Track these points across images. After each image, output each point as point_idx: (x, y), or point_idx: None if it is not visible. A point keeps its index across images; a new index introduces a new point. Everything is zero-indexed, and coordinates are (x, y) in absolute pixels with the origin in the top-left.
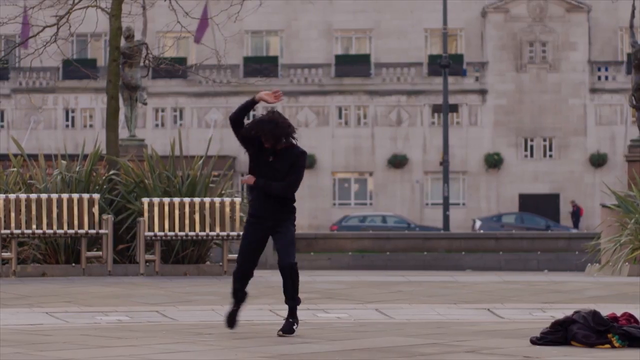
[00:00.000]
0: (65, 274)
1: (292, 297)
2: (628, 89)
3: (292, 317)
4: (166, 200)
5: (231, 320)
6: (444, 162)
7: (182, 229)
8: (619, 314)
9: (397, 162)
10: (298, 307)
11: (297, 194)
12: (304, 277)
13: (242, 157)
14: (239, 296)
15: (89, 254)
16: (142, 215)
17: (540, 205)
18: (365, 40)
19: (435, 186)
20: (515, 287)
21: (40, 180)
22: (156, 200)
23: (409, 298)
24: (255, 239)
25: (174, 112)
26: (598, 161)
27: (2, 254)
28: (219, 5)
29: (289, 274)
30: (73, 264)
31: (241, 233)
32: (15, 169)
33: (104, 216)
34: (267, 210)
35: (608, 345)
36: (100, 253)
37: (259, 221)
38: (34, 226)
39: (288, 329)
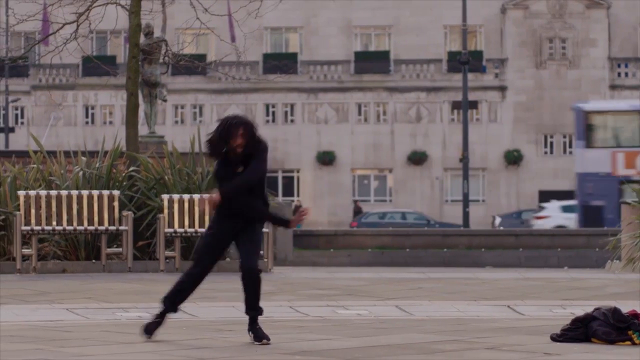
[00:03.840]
0: (85, 270)
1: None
2: None
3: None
4: (186, 196)
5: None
6: (464, 159)
7: (202, 225)
8: (639, 311)
9: (417, 158)
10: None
11: (317, 190)
12: (324, 273)
13: None
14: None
15: (109, 250)
16: (162, 211)
17: None
18: (385, 36)
19: (455, 183)
20: (535, 283)
21: (60, 177)
22: (176, 196)
23: (429, 295)
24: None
25: (193, 108)
26: None
27: (23, 250)
28: (239, 2)
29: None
30: (93, 261)
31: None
32: (35, 166)
33: (124, 213)
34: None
35: (628, 342)
36: (120, 249)
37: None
38: (54, 223)
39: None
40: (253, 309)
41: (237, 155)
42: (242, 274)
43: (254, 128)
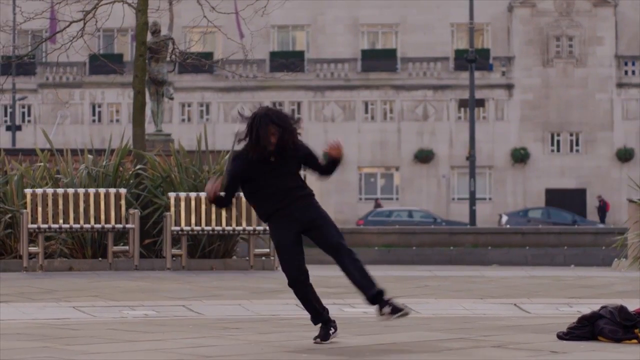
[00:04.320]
0: (92, 268)
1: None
2: None
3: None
4: (193, 195)
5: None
6: (471, 157)
7: (208, 223)
8: None
9: (424, 156)
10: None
11: (323, 187)
12: (330, 271)
13: None
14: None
15: (116, 248)
16: (168, 209)
17: (566, 200)
18: (392, 35)
19: (461, 181)
20: (541, 282)
21: (67, 175)
22: (183, 195)
23: (436, 293)
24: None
25: (200, 107)
26: (625, 156)
27: (29, 248)
28: (246, 1)
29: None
30: (100, 259)
31: (268, 228)
32: (42, 164)
33: (131, 211)
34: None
35: (635, 341)
36: (127, 247)
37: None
38: (60, 221)
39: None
40: (367, 287)
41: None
42: (334, 255)
43: (282, 121)
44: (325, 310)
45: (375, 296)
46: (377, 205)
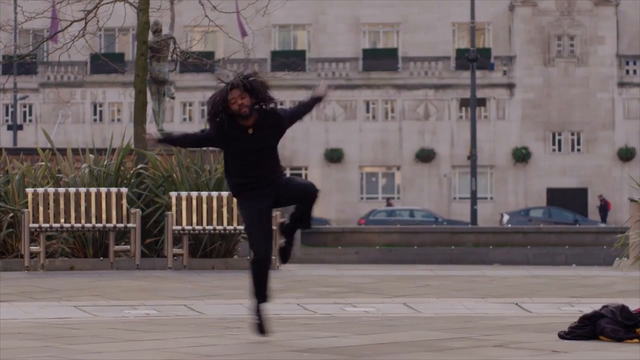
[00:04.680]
0: (93, 267)
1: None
2: None
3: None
4: (194, 194)
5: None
6: (472, 156)
7: (209, 222)
8: None
9: (425, 156)
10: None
11: (325, 187)
12: (332, 270)
13: None
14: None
15: (117, 247)
16: (170, 209)
17: (568, 200)
18: (393, 34)
19: (462, 180)
20: (543, 281)
21: (68, 174)
22: (184, 194)
23: (437, 292)
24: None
25: (201, 106)
26: (626, 155)
27: (31, 247)
28: (247, 0)
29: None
30: (101, 258)
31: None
32: (43, 163)
33: (132, 210)
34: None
35: (636, 340)
36: (128, 247)
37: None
38: (62, 220)
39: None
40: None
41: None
42: (300, 198)
43: (250, 81)
44: (269, 298)
45: (292, 231)
46: (389, 204)
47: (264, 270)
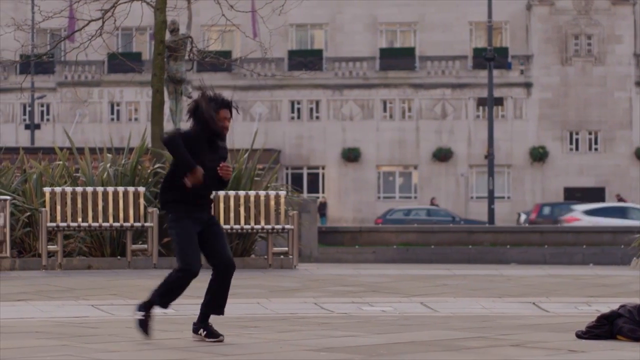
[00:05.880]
0: (110, 266)
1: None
2: None
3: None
4: None
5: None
6: (489, 156)
7: (227, 222)
8: None
9: (442, 155)
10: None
11: (342, 186)
12: (349, 270)
13: (288, 150)
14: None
15: (135, 246)
16: None
17: (585, 199)
18: (410, 33)
19: (480, 179)
20: (560, 280)
21: (86, 174)
22: None
23: (454, 291)
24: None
25: None
26: None
27: (48, 246)
28: None
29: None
30: (118, 257)
31: (287, 226)
32: (61, 162)
33: (150, 209)
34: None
35: None
36: (145, 246)
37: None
38: (79, 219)
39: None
40: (223, 307)
41: (220, 134)
42: (222, 269)
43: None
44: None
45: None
46: (432, 203)
47: (186, 284)
